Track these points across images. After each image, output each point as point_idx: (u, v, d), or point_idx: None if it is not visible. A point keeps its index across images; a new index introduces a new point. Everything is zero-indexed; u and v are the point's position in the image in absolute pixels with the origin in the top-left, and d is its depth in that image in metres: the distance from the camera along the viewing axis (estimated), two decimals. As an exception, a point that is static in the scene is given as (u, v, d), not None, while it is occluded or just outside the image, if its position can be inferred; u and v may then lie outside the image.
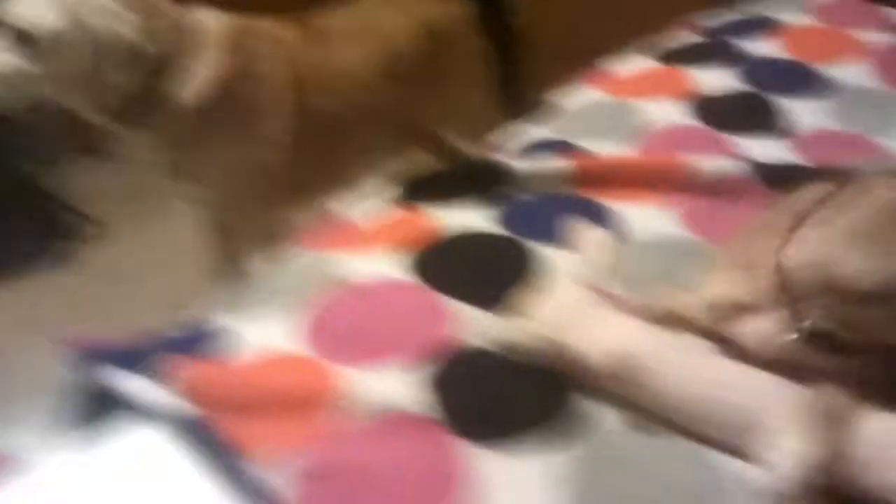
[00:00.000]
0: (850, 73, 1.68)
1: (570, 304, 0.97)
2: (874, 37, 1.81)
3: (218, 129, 1.59)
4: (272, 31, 1.66)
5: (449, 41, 1.87)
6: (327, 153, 1.76)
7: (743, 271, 0.97)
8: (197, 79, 1.52)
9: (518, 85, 3.02)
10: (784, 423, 0.84)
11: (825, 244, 0.88)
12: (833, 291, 0.85)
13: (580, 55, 1.85)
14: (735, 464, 0.87)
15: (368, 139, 1.84)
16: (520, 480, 0.86)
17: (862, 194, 0.91)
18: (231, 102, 1.57)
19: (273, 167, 1.67)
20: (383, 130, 1.87)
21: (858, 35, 1.82)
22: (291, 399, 0.92)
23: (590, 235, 1.02)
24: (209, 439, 0.89)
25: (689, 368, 0.90)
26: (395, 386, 0.94)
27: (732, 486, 0.85)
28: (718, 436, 0.87)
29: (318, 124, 1.69)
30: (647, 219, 1.29)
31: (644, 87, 1.67)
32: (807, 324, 0.87)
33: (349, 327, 1.02)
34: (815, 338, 0.87)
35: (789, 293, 0.89)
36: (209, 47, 1.53)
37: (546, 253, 1.19)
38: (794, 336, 0.88)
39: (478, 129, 1.94)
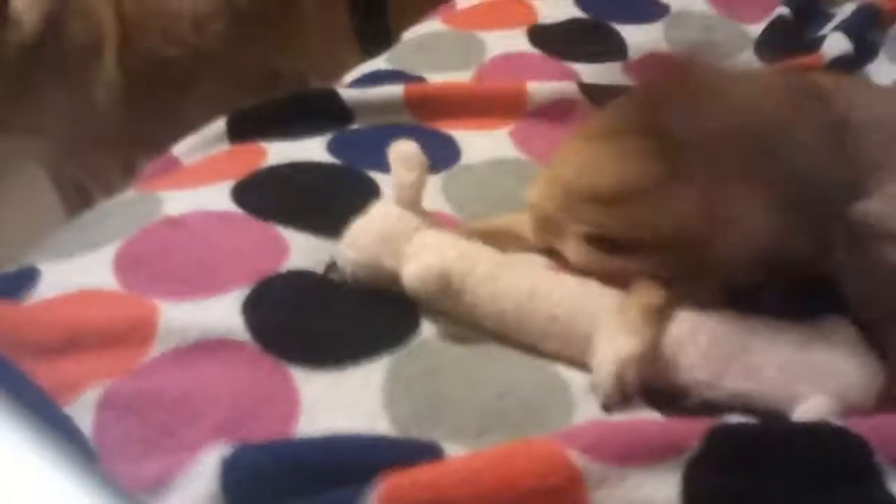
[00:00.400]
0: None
1: (382, 223, 0.95)
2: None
3: (48, 73, 1.49)
4: None
5: None
6: (164, 99, 1.68)
7: (550, 187, 0.99)
8: (20, 17, 1.42)
9: (382, 26, 3.00)
10: (601, 324, 0.86)
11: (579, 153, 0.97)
12: (592, 198, 0.92)
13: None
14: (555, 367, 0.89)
15: (212, 87, 1.77)
16: (338, 395, 0.85)
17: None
18: (58, 42, 1.48)
19: (109, 110, 1.59)
20: (230, 79, 1.80)
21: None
22: (95, 333, 0.87)
23: (399, 150, 1.00)
24: (4, 378, 0.83)
25: (505, 283, 0.91)
26: (208, 312, 0.90)
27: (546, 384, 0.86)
28: (541, 346, 0.89)
29: (152, 69, 1.62)
30: (480, 141, 1.29)
31: (485, 18, 1.66)
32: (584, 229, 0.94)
33: (159, 258, 0.98)
34: (595, 241, 0.91)
35: (569, 204, 0.95)
36: None
37: (375, 178, 1.18)
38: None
39: (334, 72, 1.92)
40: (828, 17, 1.69)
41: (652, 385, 0.85)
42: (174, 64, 1.66)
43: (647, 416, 0.82)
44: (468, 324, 0.92)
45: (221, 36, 1.70)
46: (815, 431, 0.75)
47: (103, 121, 1.60)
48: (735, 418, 0.79)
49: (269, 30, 1.79)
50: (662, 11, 1.70)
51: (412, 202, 0.98)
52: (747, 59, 1.56)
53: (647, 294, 0.88)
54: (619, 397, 0.83)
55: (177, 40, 1.64)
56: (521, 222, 1.08)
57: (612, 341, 0.84)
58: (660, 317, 0.87)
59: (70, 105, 1.55)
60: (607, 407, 0.83)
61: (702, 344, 0.85)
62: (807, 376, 0.82)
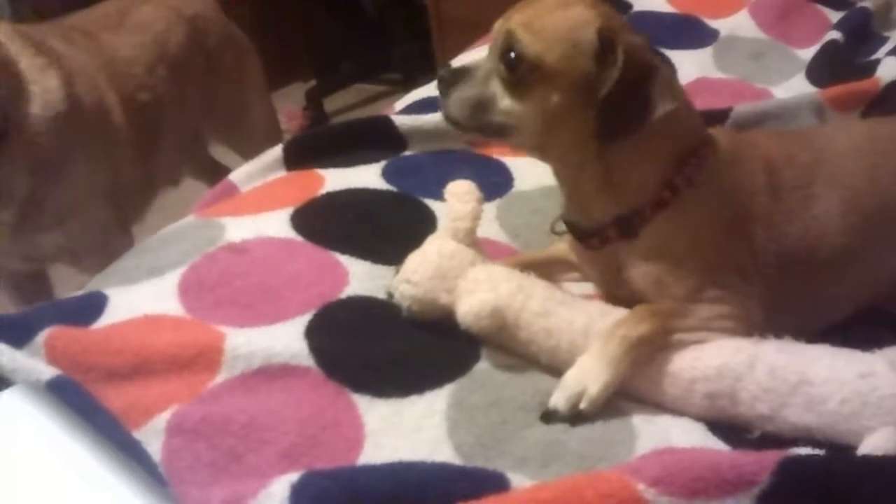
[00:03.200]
0: (731, 23, 1.73)
1: (437, 258, 0.96)
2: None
3: (77, 146, 1.45)
4: (38, 30, 1.54)
5: (211, 36, 1.86)
6: (157, 142, 1.70)
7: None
8: (42, 93, 1.38)
9: (427, 57, 3.04)
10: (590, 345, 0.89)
11: None
12: None
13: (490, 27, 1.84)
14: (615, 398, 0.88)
15: (182, 124, 1.81)
16: (401, 423, 0.85)
17: None
18: (80, 114, 1.44)
19: (127, 175, 1.58)
20: (186, 116, 1.83)
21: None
22: (162, 359, 0.89)
23: (455, 188, 1.01)
24: (78, 402, 0.86)
25: (559, 319, 0.91)
26: (273, 338, 0.92)
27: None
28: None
29: (140, 119, 1.62)
30: (531, 168, 1.29)
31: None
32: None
33: (222, 284, 0.99)
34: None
35: None
36: (18, 58, 1.39)
37: (430, 205, 1.19)
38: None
39: (250, 130, 1.95)
40: (881, 41, 1.68)
41: (715, 418, 0.85)
42: (148, 111, 1.67)
43: (713, 448, 0.81)
44: (524, 356, 0.93)
45: (167, 81, 1.72)
46: (887, 465, 0.74)
47: (120, 192, 1.57)
48: (803, 451, 0.78)
49: (195, 84, 1.82)
50: (712, 36, 1.70)
51: (466, 236, 0.99)
52: (798, 84, 1.56)
53: (633, 325, 0.87)
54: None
55: (143, 85, 1.66)
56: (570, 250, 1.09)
57: (585, 370, 0.85)
58: (643, 348, 0.86)
59: (96, 179, 1.50)
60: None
61: (761, 376, 0.85)
62: (872, 409, 0.81)
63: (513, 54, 0.89)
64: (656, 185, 0.93)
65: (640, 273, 0.94)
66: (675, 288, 0.92)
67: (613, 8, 0.95)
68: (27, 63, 1.40)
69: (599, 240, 0.97)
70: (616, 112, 0.87)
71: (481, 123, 0.94)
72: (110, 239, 1.55)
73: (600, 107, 0.87)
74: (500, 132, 0.94)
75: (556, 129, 0.91)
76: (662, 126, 0.90)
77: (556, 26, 0.88)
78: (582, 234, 0.99)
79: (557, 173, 0.99)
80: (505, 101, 0.91)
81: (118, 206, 1.58)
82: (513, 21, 0.90)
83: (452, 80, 0.94)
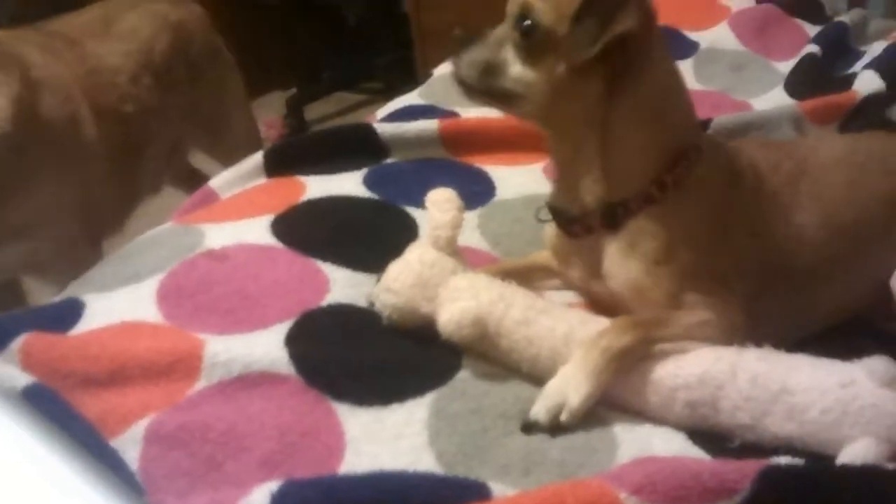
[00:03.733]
0: (711, 35, 1.74)
1: (418, 267, 0.96)
2: (734, 1, 1.88)
3: (32, 164, 1.39)
4: (15, 37, 1.49)
5: (195, 45, 1.84)
6: (132, 153, 1.65)
7: None
8: None
9: (408, 67, 3.04)
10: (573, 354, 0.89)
11: None
12: None
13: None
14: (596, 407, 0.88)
15: (165, 134, 1.77)
16: (382, 431, 0.85)
17: None
18: (37, 128, 1.38)
19: (100, 189, 1.52)
20: (168, 125, 1.79)
21: (720, 1, 1.88)
22: (140, 366, 0.88)
23: (435, 196, 1.01)
24: (54, 409, 0.84)
25: (540, 327, 0.91)
26: (252, 345, 0.91)
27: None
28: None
29: (120, 132, 1.58)
30: (513, 177, 1.31)
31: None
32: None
33: (201, 290, 0.99)
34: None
35: None
36: None
37: (411, 213, 1.19)
38: None
39: (232, 139, 1.92)
40: (857, 55, 1.70)
41: (696, 427, 0.85)
42: (132, 123, 1.63)
43: (694, 456, 0.81)
44: (505, 365, 0.93)
45: (151, 90, 1.68)
46: (867, 475, 0.74)
47: (92, 205, 1.52)
48: (783, 460, 0.78)
49: (178, 93, 1.77)
50: (692, 48, 1.71)
51: (447, 245, 0.99)
52: (777, 96, 1.58)
53: (616, 336, 0.87)
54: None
55: (126, 95, 1.62)
56: (552, 257, 1.09)
57: (566, 381, 0.85)
58: (625, 359, 0.87)
59: (61, 194, 1.45)
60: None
61: (742, 384, 0.85)
62: (853, 418, 0.82)
63: (528, 22, 0.90)
64: (647, 178, 0.93)
65: (619, 269, 0.95)
66: (652, 291, 0.92)
67: None
68: None
69: (583, 227, 0.97)
70: (584, 27, 0.87)
71: (490, 88, 0.94)
72: (77, 253, 1.50)
73: (573, 16, 0.88)
74: (507, 99, 0.95)
75: (563, 98, 0.92)
76: (664, 117, 0.93)
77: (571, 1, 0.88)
78: (566, 221, 0.99)
79: (555, 148, 0.99)
80: (516, 68, 0.92)
81: (89, 220, 1.54)
82: None
83: (466, 42, 0.95)
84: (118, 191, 1.63)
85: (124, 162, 1.62)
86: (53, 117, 1.44)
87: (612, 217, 0.94)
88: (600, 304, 1.01)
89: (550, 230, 1.05)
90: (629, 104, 0.92)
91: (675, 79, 0.98)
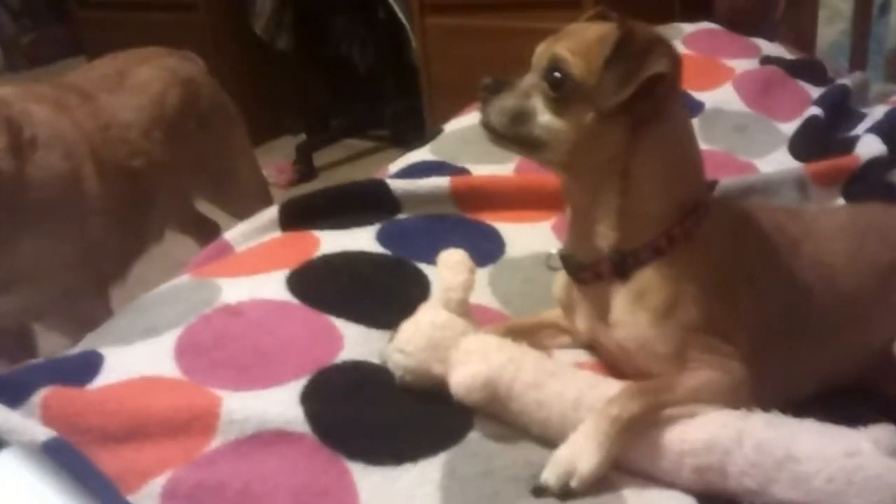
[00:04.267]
0: (716, 96, 1.78)
1: (429, 329, 0.98)
2: (739, 63, 1.92)
3: (24, 218, 1.41)
4: (26, 93, 1.53)
5: (203, 100, 1.87)
6: (140, 207, 1.68)
7: None
8: None
9: (416, 116, 3.09)
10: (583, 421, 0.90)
11: None
12: None
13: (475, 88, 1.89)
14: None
15: (173, 187, 1.80)
16: (395, 492, 0.86)
17: None
18: (31, 179, 1.41)
19: (100, 244, 1.53)
20: (177, 179, 1.82)
21: (724, 62, 1.93)
22: (158, 422, 0.89)
23: (447, 258, 1.04)
24: (73, 465, 0.86)
25: (550, 391, 0.93)
26: (268, 403, 0.93)
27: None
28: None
29: (127, 188, 1.61)
30: (523, 234, 1.33)
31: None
32: None
33: (218, 346, 1.01)
34: None
35: None
36: None
37: (423, 270, 1.21)
38: None
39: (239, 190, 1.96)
40: (859, 118, 1.74)
41: (704, 491, 0.86)
42: (141, 177, 1.66)
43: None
44: (516, 427, 0.94)
45: (162, 144, 1.71)
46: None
47: (92, 258, 1.54)
48: (789, 528, 0.79)
49: (188, 147, 1.81)
50: (697, 108, 1.75)
51: (458, 307, 1.01)
52: (780, 157, 1.61)
53: (625, 404, 0.89)
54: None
55: (137, 150, 1.65)
56: (561, 315, 1.11)
57: (576, 448, 0.87)
58: (633, 427, 0.88)
59: (57, 248, 1.47)
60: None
61: (748, 451, 0.86)
62: (857, 488, 0.83)
63: (558, 74, 0.93)
64: (659, 230, 0.96)
65: (626, 319, 0.96)
66: (657, 345, 0.94)
67: None
68: None
69: (592, 274, 0.99)
70: (614, 72, 0.90)
71: (517, 134, 0.97)
72: (78, 302, 1.54)
73: (602, 68, 0.90)
74: (533, 146, 0.97)
75: (588, 146, 0.95)
76: (680, 170, 0.96)
77: (601, 52, 0.91)
78: (576, 267, 1.01)
79: (573, 195, 1.01)
80: (545, 117, 0.95)
81: (91, 271, 1.56)
82: (559, 46, 0.95)
83: (495, 89, 0.98)
84: (123, 242, 1.65)
85: (131, 215, 1.65)
86: (50, 174, 1.47)
87: (623, 266, 0.97)
88: (606, 354, 1.03)
89: (560, 280, 1.07)
90: (650, 153, 0.95)
91: (691, 133, 1.01)
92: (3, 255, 1.40)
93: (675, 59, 0.93)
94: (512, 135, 0.98)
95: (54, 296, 1.51)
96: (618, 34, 0.91)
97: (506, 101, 0.97)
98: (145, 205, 1.72)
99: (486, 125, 0.99)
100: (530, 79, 0.97)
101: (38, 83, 1.68)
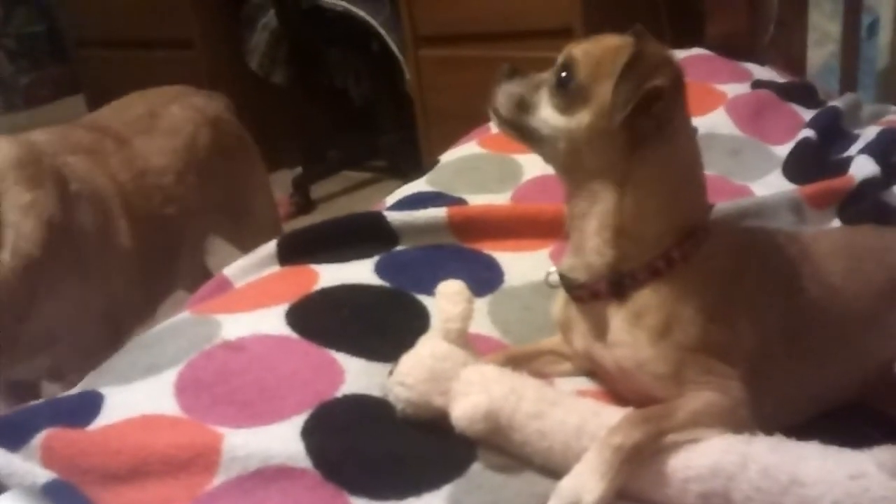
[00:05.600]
0: (708, 121, 1.79)
1: (430, 360, 0.98)
2: (730, 87, 1.93)
3: (57, 281, 1.40)
4: (63, 141, 1.51)
5: (229, 138, 1.86)
6: (168, 254, 1.67)
7: None
8: (15, 239, 1.33)
9: (412, 146, 3.11)
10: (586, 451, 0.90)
11: None
12: None
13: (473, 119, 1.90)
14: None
15: (201, 231, 1.79)
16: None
17: None
18: (67, 244, 1.40)
19: (128, 296, 1.53)
20: (203, 220, 1.80)
21: (716, 87, 1.94)
22: (159, 460, 0.89)
23: (445, 288, 1.04)
24: (73, 506, 0.86)
25: (552, 420, 0.93)
26: (270, 439, 0.93)
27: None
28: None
29: (154, 228, 1.59)
30: (521, 263, 1.33)
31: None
32: None
33: (219, 382, 1.00)
34: None
35: None
36: (9, 188, 1.36)
37: (423, 302, 1.21)
38: None
39: (255, 227, 1.92)
40: (851, 139, 1.75)
41: (709, 518, 0.86)
42: (170, 226, 1.64)
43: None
44: (519, 457, 0.94)
45: (194, 189, 1.70)
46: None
47: (121, 306, 1.52)
48: (796, 554, 0.79)
49: (216, 188, 1.80)
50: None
51: (458, 337, 1.01)
52: (775, 179, 1.62)
53: (627, 433, 0.88)
54: None
55: (171, 196, 1.64)
56: (561, 342, 1.11)
57: (580, 480, 0.86)
58: (636, 456, 0.87)
59: (86, 304, 1.46)
60: None
61: (753, 475, 0.86)
62: None
63: (565, 73, 0.96)
64: (657, 251, 0.96)
65: (624, 339, 0.96)
66: (655, 365, 0.94)
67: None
68: (11, 203, 1.37)
69: (589, 293, 0.99)
70: (622, 87, 0.91)
71: (519, 122, 1.00)
72: (98, 356, 1.53)
73: (608, 79, 0.92)
74: (533, 138, 1.00)
75: (586, 150, 0.96)
76: (681, 191, 0.96)
77: (612, 62, 0.92)
78: (573, 285, 1.01)
79: (571, 202, 1.01)
80: (546, 110, 0.97)
81: (114, 323, 1.54)
82: (577, 47, 0.97)
83: (510, 76, 1.01)
84: (150, 289, 1.63)
85: (159, 263, 1.64)
86: (85, 231, 1.46)
87: (620, 286, 0.97)
88: (604, 375, 1.03)
89: (558, 299, 1.08)
90: (649, 173, 0.95)
91: (695, 156, 1.01)
92: (38, 314, 1.39)
93: (677, 78, 0.94)
94: (514, 122, 1.01)
95: (81, 351, 1.48)
96: (632, 50, 0.92)
97: (514, 88, 1.00)
98: (173, 253, 1.70)
99: (494, 109, 1.01)
100: (546, 74, 0.99)
101: (72, 127, 1.65)
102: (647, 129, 0.93)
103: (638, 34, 0.96)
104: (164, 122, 1.72)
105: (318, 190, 3.46)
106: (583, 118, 0.95)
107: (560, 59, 0.98)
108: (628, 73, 0.90)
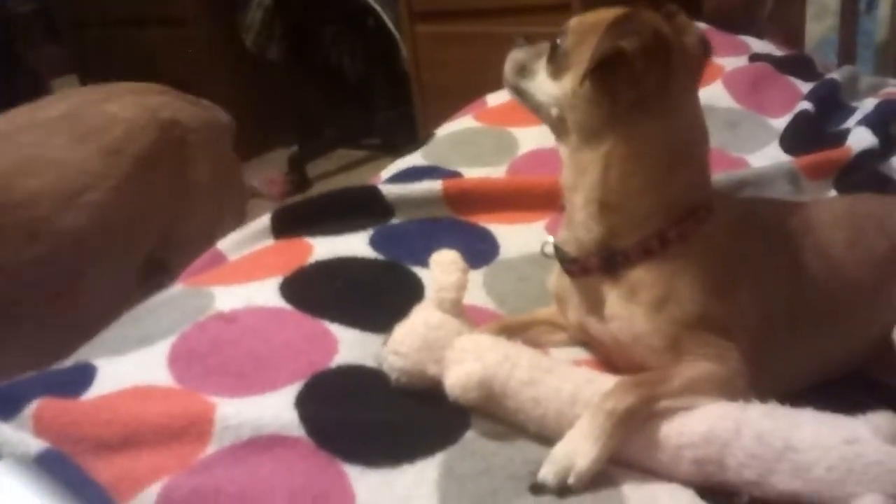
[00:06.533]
0: (706, 94, 1.78)
1: (423, 330, 0.98)
2: (728, 61, 1.92)
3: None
4: None
5: (183, 138, 1.65)
6: (75, 276, 1.48)
7: None
8: None
9: (408, 123, 3.10)
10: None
11: None
12: None
13: (470, 95, 1.89)
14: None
15: (118, 252, 1.56)
16: (392, 494, 0.85)
17: None
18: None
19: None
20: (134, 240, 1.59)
21: (714, 60, 1.92)
22: (152, 430, 0.89)
23: (439, 258, 1.04)
24: (67, 475, 0.85)
25: (546, 388, 0.92)
26: (263, 408, 0.92)
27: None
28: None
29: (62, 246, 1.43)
30: (517, 235, 1.33)
31: (517, 114, 1.71)
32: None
33: (212, 353, 1.00)
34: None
35: None
36: None
37: (417, 273, 1.21)
38: None
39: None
40: (849, 111, 1.74)
41: (703, 483, 0.86)
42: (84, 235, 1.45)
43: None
44: (513, 425, 0.93)
45: (108, 203, 1.49)
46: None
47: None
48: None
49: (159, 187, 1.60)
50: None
51: (452, 307, 1.01)
52: (772, 152, 1.61)
53: (620, 398, 0.88)
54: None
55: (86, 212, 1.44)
56: (556, 312, 1.11)
57: (573, 445, 0.86)
58: (631, 421, 0.88)
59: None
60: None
61: (747, 442, 0.86)
62: (858, 476, 0.82)
63: (558, 41, 0.99)
64: (649, 230, 0.95)
65: (619, 314, 0.96)
66: (651, 338, 0.94)
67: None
68: None
69: (580, 268, 0.99)
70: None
71: (518, 87, 1.05)
72: None
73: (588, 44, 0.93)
74: (532, 104, 1.04)
75: (570, 117, 0.97)
76: (674, 171, 0.95)
77: (599, 29, 0.92)
78: (566, 259, 1.02)
79: (563, 175, 1.02)
80: (541, 76, 1.02)
81: None
82: (576, 18, 1.00)
83: (521, 43, 1.07)
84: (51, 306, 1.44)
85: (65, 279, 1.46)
86: None
87: (611, 263, 0.96)
88: (599, 347, 1.03)
89: (555, 271, 1.08)
90: (636, 144, 0.94)
91: (695, 134, 1.00)
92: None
93: (658, 47, 0.91)
94: (514, 86, 1.06)
95: None
96: (617, 17, 0.91)
97: (519, 55, 1.05)
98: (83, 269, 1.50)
99: (504, 74, 1.07)
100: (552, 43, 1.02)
101: None
102: (627, 97, 0.92)
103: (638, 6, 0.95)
104: (81, 125, 1.52)
105: (314, 168, 3.44)
106: (566, 83, 0.96)
107: (563, 26, 0.99)
108: (605, 36, 0.90)
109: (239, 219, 1.64)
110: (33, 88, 3.14)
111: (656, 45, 0.91)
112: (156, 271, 1.59)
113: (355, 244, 1.27)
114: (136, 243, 1.59)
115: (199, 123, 1.70)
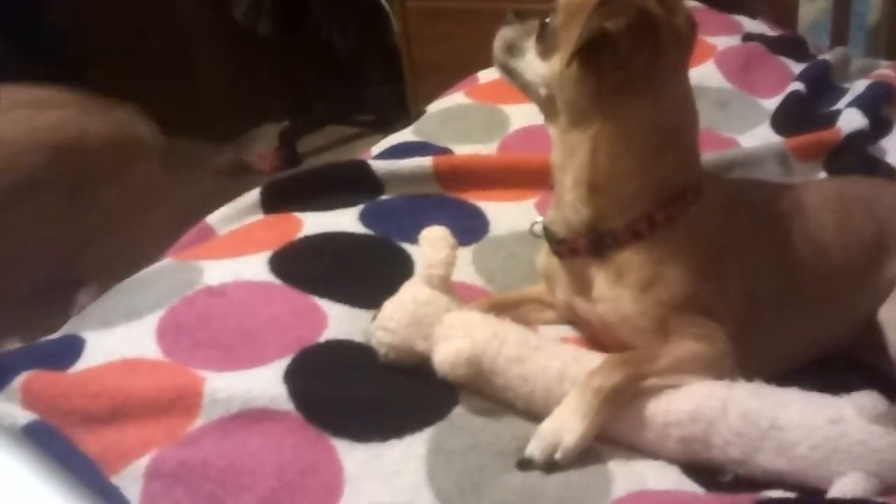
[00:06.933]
0: (697, 73, 1.77)
1: (412, 305, 0.98)
2: (720, 40, 1.91)
3: None
4: None
5: (83, 160, 1.53)
6: None
7: None
8: None
9: (399, 99, 3.08)
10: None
11: None
12: None
13: (462, 71, 1.88)
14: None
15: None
16: (380, 468, 0.86)
17: None
18: None
19: None
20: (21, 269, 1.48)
21: (706, 39, 1.92)
22: (140, 403, 0.89)
23: (429, 234, 1.04)
24: (55, 447, 0.85)
25: (534, 365, 0.93)
26: (251, 382, 0.92)
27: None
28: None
29: None
30: (506, 212, 1.33)
31: (508, 91, 1.69)
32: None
33: (200, 327, 1.00)
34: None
35: None
36: None
37: (406, 250, 1.20)
38: None
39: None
40: (840, 93, 1.74)
41: (689, 461, 0.86)
42: None
43: (688, 490, 0.83)
44: (501, 401, 0.94)
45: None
46: (855, 509, 0.76)
47: None
48: (775, 493, 0.80)
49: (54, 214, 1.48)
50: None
51: (441, 283, 1.01)
52: (762, 132, 1.61)
53: (607, 375, 0.89)
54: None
55: None
56: (545, 290, 1.11)
57: (560, 421, 0.87)
58: (618, 398, 0.88)
59: None
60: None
61: (733, 420, 0.87)
62: (842, 455, 0.83)
63: (547, 20, 0.98)
64: (636, 212, 0.95)
65: (607, 295, 0.97)
66: (639, 319, 0.95)
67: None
68: None
69: (568, 249, 0.99)
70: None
71: (507, 65, 1.04)
72: None
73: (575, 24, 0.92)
74: (521, 83, 1.04)
75: (558, 97, 0.97)
76: (662, 153, 0.95)
77: (586, 8, 0.90)
78: (555, 240, 1.02)
79: (553, 155, 1.01)
80: (530, 55, 1.01)
81: None
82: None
83: (511, 20, 1.05)
84: None
85: None
86: None
87: (599, 245, 0.97)
88: (586, 327, 1.04)
89: (544, 250, 1.08)
90: (623, 125, 0.94)
91: (685, 115, 0.99)
92: None
93: (645, 27, 0.91)
94: (503, 63, 1.05)
95: None
96: None
97: (509, 33, 1.04)
98: None
99: (494, 52, 1.05)
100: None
101: None
102: (614, 77, 0.92)
103: None
104: None
105: (305, 144, 3.42)
106: (555, 63, 0.95)
107: (554, 4, 0.97)
108: (591, 16, 0.89)
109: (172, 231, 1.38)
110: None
111: (643, 24, 0.91)
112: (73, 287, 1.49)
113: (345, 220, 1.27)
114: (23, 272, 1.47)
115: (104, 143, 1.57)
